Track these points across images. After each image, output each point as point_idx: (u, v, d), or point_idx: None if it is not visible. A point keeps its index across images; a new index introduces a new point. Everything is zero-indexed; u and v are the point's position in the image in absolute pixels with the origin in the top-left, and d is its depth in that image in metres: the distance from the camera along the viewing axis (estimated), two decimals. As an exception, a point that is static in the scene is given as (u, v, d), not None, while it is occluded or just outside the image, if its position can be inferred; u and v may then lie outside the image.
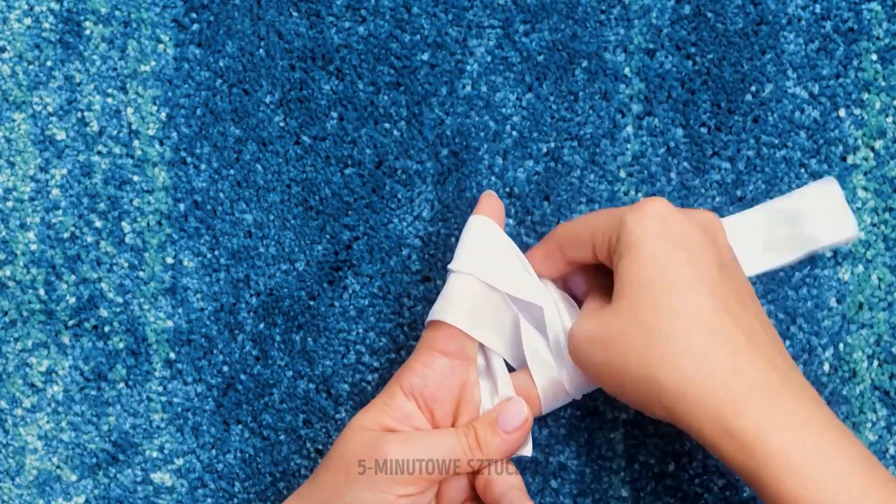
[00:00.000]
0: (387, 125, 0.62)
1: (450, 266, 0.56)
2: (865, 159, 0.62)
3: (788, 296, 0.62)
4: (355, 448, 0.52)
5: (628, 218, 0.50)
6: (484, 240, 0.56)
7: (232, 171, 0.62)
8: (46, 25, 0.62)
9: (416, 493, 0.51)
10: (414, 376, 0.54)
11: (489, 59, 0.62)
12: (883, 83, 0.62)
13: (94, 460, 0.63)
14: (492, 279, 0.55)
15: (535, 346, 0.56)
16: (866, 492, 0.45)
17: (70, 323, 0.62)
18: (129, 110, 0.62)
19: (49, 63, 0.62)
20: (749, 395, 0.47)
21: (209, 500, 0.63)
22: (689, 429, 0.48)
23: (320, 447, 0.63)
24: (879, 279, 0.62)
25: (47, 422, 0.63)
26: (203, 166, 0.62)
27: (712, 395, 0.47)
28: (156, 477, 0.63)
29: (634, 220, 0.50)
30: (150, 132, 0.62)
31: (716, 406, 0.47)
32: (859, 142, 0.62)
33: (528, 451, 0.56)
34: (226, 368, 0.62)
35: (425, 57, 0.62)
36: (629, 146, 0.62)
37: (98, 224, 0.62)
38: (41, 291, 0.62)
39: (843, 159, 0.62)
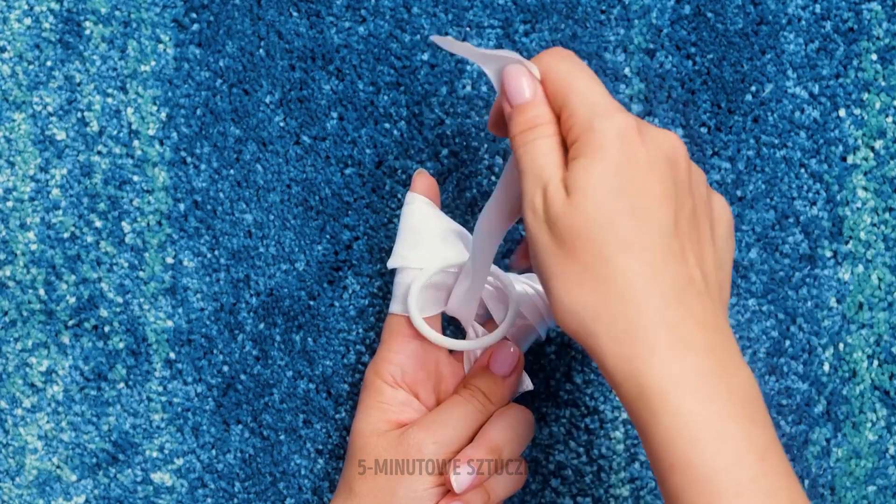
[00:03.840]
0: (387, 125, 0.62)
1: (388, 264, 0.57)
2: (865, 159, 0.62)
3: (788, 296, 0.62)
4: (384, 450, 0.54)
5: (597, 124, 0.46)
6: (420, 224, 0.57)
7: (232, 171, 0.62)
8: (46, 25, 0.62)
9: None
10: (391, 366, 0.56)
11: (489, 59, 0.62)
12: (883, 83, 0.62)
13: (94, 460, 0.63)
14: (428, 262, 0.56)
15: (492, 301, 0.58)
16: (756, 477, 0.43)
17: (70, 323, 0.62)
18: (129, 110, 0.62)
19: (49, 63, 0.62)
20: (667, 340, 0.44)
21: (209, 500, 0.63)
22: (594, 357, 0.46)
23: (320, 447, 0.63)
24: (879, 279, 0.62)
25: (47, 422, 0.63)
26: (203, 166, 0.62)
27: (628, 340, 0.44)
28: (156, 477, 0.63)
29: (602, 129, 0.46)
30: (150, 132, 0.62)
31: (625, 352, 0.44)
32: (859, 142, 0.62)
33: (528, 386, 0.58)
34: (226, 368, 0.62)
35: (425, 57, 0.62)
36: (629, 146, 0.62)
37: (98, 224, 0.62)
38: (41, 291, 0.62)
39: (843, 159, 0.62)
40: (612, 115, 0.46)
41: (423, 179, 0.58)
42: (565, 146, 0.48)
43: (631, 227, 0.45)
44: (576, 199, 0.45)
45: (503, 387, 0.56)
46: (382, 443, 0.54)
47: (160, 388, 0.62)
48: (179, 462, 0.62)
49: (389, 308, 0.57)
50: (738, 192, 0.62)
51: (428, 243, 0.56)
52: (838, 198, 0.62)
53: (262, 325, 0.62)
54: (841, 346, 0.62)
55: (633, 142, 0.46)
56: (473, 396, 0.56)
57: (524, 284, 0.58)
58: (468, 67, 0.62)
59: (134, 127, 0.62)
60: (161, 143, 0.62)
